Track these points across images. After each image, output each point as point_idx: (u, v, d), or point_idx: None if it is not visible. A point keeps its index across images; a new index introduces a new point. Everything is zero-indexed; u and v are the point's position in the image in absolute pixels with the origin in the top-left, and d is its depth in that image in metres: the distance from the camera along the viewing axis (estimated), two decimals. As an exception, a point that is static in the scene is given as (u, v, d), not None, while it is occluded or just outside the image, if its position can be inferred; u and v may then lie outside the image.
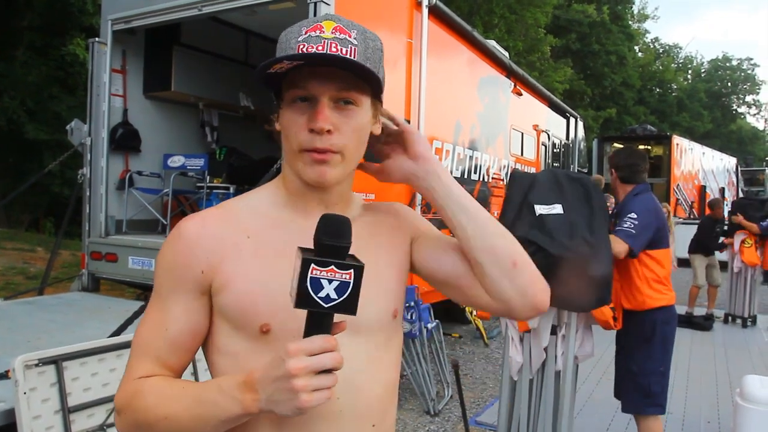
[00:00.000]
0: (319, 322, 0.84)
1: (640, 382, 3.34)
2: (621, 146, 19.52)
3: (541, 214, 2.98)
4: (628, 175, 3.54)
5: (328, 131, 0.98)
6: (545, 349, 3.15)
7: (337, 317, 0.86)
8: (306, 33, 0.98)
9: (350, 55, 0.97)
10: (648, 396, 3.32)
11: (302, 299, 0.82)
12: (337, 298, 0.82)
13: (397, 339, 1.12)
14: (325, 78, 0.97)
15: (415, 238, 1.17)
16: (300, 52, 0.96)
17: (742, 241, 7.87)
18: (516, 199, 3.09)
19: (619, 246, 3.18)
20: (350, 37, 0.99)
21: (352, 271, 0.83)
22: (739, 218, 7.86)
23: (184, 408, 0.91)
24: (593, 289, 2.92)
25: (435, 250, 1.13)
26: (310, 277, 0.82)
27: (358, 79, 0.99)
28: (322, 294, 0.82)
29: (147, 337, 1.02)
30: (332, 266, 0.82)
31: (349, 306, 0.83)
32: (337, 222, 0.85)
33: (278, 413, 0.84)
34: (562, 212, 2.98)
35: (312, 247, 0.84)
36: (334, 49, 0.96)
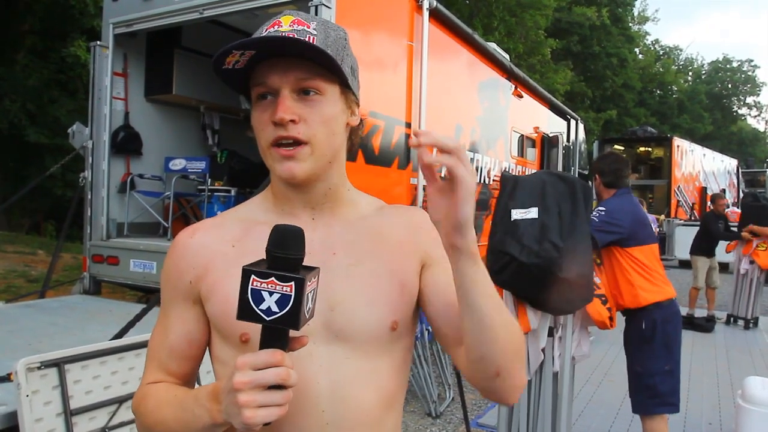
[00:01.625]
0: (270, 335, 0.81)
1: (646, 383, 3.35)
2: (624, 148, 19.59)
3: (515, 220, 3.02)
4: (613, 180, 3.59)
5: (292, 121, 0.95)
6: (543, 351, 3.16)
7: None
8: (265, 31, 0.97)
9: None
10: (655, 396, 3.32)
11: (243, 311, 0.79)
12: (278, 311, 0.78)
13: (399, 346, 1.05)
14: (284, 69, 0.95)
15: (426, 266, 1.08)
16: None
17: (757, 245, 7.87)
18: (499, 205, 3.15)
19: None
20: (309, 27, 0.97)
21: (292, 283, 0.78)
22: (754, 228, 7.81)
23: (172, 413, 0.95)
24: (572, 290, 2.94)
25: (437, 300, 1.04)
26: (251, 288, 0.79)
27: (320, 68, 0.96)
28: (264, 306, 0.78)
29: (153, 345, 1.08)
30: (272, 278, 0.79)
31: (291, 320, 0.79)
32: (286, 233, 0.81)
33: (235, 426, 0.82)
34: (537, 216, 3.00)
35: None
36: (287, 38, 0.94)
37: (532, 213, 3.03)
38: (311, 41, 0.94)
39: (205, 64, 6.44)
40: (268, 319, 0.79)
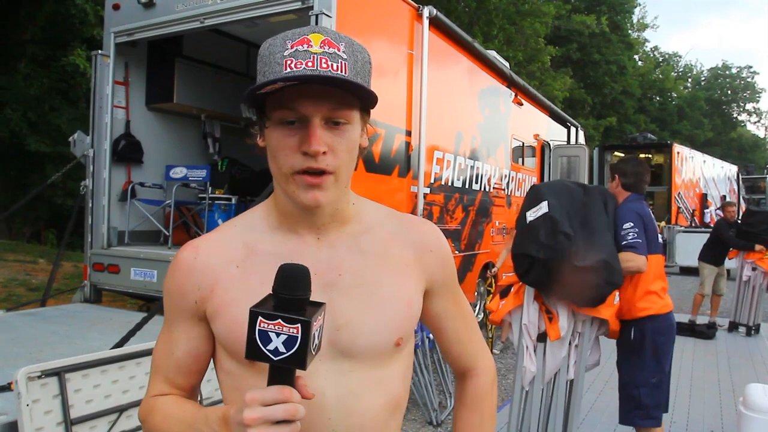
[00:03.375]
0: (277, 375, 0.83)
1: (631, 394, 3.34)
2: (624, 154, 19.58)
3: (530, 222, 3.10)
4: (633, 183, 3.54)
5: (324, 152, 0.95)
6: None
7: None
8: (292, 47, 0.94)
9: (341, 71, 0.93)
10: (639, 408, 3.30)
11: (251, 351, 0.81)
12: (285, 351, 0.80)
13: (402, 355, 1.08)
14: (317, 98, 0.94)
15: (432, 292, 1.14)
16: (288, 69, 0.92)
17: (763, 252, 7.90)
18: (521, 211, 3.27)
19: (637, 260, 3.19)
20: (339, 50, 0.95)
21: (299, 326, 0.80)
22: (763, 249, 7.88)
23: (179, 430, 0.98)
24: (594, 276, 2.97)
25: (447, 334, 1.21)
26: (258, 329, 0.80)
27: (350, 96, 0.96)
28: (271, 347, 0.80)
29: (158, 359, 1.10)
30: (279, 320, 0.80)
31: (299, 360, 0.81)
32: (292, 273, 0.83)
33: None
34: (547, 210, 3.08)
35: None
36: (324, 65, 0.92)
37: (543, 208, 3.09)
38: (343, 67, 0.94)
39: (206, 72, 6.47)
40: (275, 359, 0.81)
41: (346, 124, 0.97)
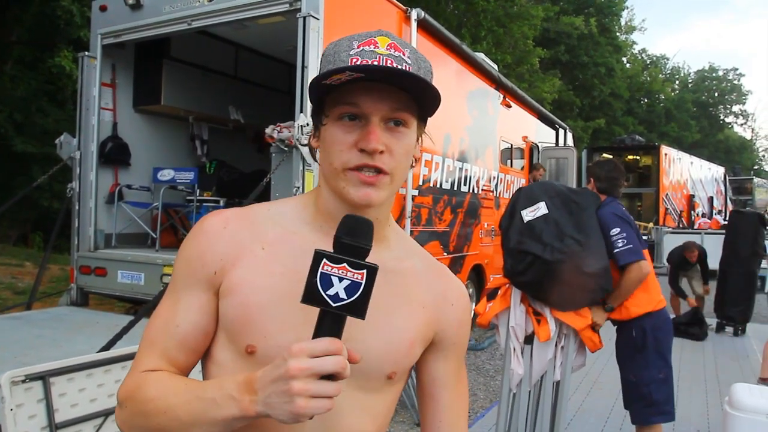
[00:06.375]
0: (329, 323, 0.79)
1: (641, 392, 3.33)
2: (605, 157, 19.74)
3: (528, 221, 3.10)
4: (608, 187, 3.55)
5: (381, 152, 0.93)
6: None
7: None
8: (359, 47, 0.95)
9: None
10: (650, 405, 3.30)
11: (310, 294, 0.78)
12: (346, 298, 0.78)
13: (392, 389, 1.06)
14: (379, 96, 0.93)
15: (436, 346, 1.09)
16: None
17: None
18: (508, 210, 3.29)
19: (642, 267, 3.21)
20: (404, 55, 0.95)
21: (365, 271, 0.78)
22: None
23: (182, 403, 0.87)
24: (594, 282, 3.01)
25: (431, 390, 1.12)
26: (321, 272, 0.78)
27: (410, 100, 0.95)
28: (331, 292, 0.78)
29: (156, 332, 0.99)
30: (345, 264, 0.78)
31: (359, 308, 0.78)
32: (358, 222, 0.81)
33: (274, 418, 0.78)
34: (547, 211, 3.10)
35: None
36: (389, 65, 0.93)
37: (541, 209, 3.11)
38: (407, 70, 0.94)
39: (194, 74, 6.45)
40: (334, 305, 0.78)
41: (404, 127, 0.97)
